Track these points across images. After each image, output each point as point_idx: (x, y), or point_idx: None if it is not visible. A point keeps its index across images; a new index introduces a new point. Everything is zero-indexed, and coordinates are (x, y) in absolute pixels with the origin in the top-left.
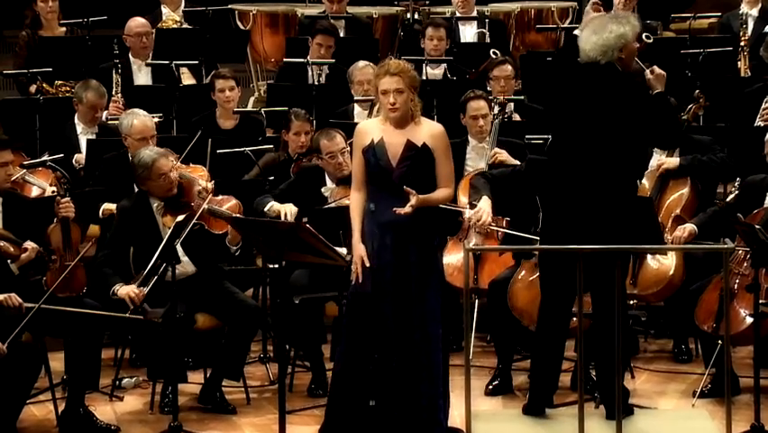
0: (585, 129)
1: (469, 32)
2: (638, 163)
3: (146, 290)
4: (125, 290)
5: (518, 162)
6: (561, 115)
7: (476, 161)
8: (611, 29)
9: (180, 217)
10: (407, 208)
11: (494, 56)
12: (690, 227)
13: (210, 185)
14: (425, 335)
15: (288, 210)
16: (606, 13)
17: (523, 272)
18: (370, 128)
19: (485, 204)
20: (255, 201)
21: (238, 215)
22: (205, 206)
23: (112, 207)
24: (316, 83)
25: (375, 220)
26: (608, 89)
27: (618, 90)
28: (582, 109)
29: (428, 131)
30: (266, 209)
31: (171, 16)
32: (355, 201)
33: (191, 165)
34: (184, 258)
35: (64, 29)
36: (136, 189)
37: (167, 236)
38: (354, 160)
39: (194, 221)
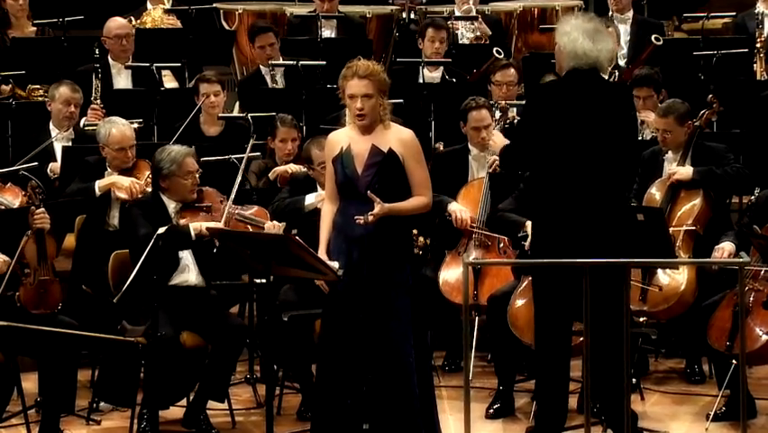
0: (584, 139)
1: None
2: (631, 170)
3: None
4: (199, 223)
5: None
6: (557, 125)
7: (477, 170)
8: (606, 33)
9: (161, 230)
10: (368, 217)
11: (497, 55)
12: (729, 247)
13: None
14: (397, 355)
15: None
16: (589, 17)
17: (524, 288)
18: (340, 137)
19: None
20: (283, 203)
21: (267, 222)
22: (231, 209)
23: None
24: (274, 86)
25: (343, 234)
26: (603, 96)
27: (612, 96)
28: (580, 119)
29: (396, 136)
30: (309, 202)
31: (159, 13)
32: (326, 212)
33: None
34: (193, 267)
35: (34, 28)
36: (115, 203)
37: (147, 249)
38: (327, 171)
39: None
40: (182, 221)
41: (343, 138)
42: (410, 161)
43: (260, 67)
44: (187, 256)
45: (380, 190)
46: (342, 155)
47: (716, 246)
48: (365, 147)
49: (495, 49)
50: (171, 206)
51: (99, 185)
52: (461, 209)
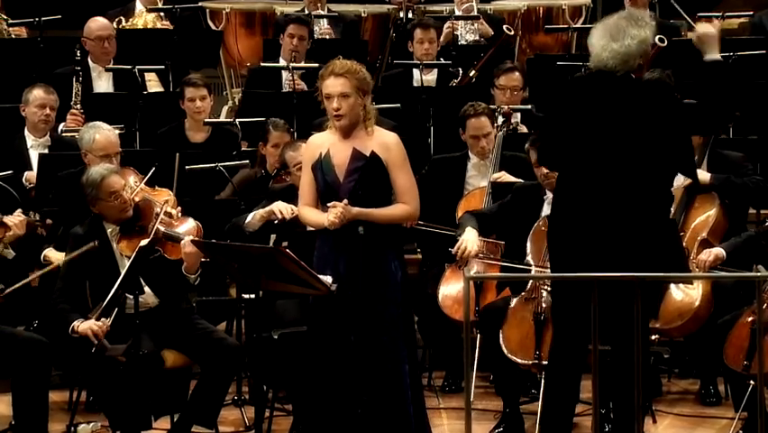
0: (604, 148)
1: None
2: (667, 184)
3: (109, 321)
4: (86, 325)
5: (522, 181)
6: (572, 133)
7: (478, 179)
8: (632, 34)
9: (144, 242)
10: (326, 221)
11: (508, 32)
12: (717, 251)
13: (176, 211)
14: (389, 371)
15: (282, 208)
16: (619, 14)
17: (514, 309)
18: (321, 141)
19: (468, 234)
20: (230, 224)
21: (194, 238)
22: (159, 227)
23: (56, 256)
24: (290, 88)
25: (328, 244)
26: (630, 101)
27: (642, 101)
28: (600, 125)
29: (379, 140)
30: (247, 221)
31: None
32: (309, 209)
33: (156, 188)
34: (146, 288)
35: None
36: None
37: (129, 263)
38: (303, 176)
39: (151, 247)
40: (120, 245)
41: (324, 143)
42: (394, 167)
43: (281, 61)
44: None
45: (363, 197)
46: (321, 161)
47: (705, 250)
48: (346, 152)
49: (505, 26)
50: (110, 230)
51: (44, 254)
52: None
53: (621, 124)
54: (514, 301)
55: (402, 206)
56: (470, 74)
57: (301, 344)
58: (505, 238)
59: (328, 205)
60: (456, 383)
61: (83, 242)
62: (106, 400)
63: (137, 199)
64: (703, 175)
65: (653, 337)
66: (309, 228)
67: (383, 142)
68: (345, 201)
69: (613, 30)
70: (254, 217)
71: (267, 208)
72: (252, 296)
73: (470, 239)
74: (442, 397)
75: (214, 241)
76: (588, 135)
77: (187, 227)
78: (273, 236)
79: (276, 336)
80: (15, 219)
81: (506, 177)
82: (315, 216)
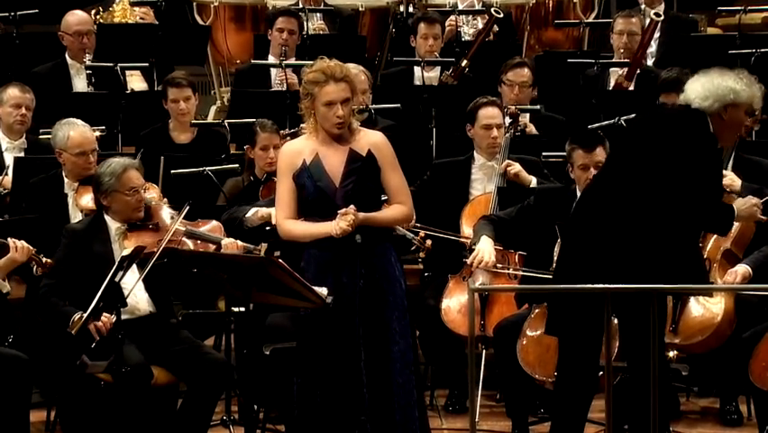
0: (640, 171)
1: None
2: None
3: (113, 318)
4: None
5: (534, 179)
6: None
7: (483, 182)
8: (725, 79)
9: (127, 251)
10: (337, 229)
11: (496, 14)
12: (742, 270)
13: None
14: (400, 383)
15: None
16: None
17: (534, 317)
18: (299, 147)
19: (484, 243)
20: (228, 212)
21: (223, 237)
22: (178, 226)
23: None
24: (280, 85)
25: (324, 256)
26: (685, 135)
27: (695, 141)
28: (648, 150)
29: (368, 140)
30: (248, 215)
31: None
32: (294, 222)
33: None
34: (141, 294)
35: None
36: (76, 219)
37: (110, 273)
38: (280, 186)
39: (162, 249)
40: (126, 242)
41: (304, 149)
42: (387, 167)
43: (270, 58)
44: (130, 282)
45: (361, 201)
46: (307, 168)
47: (729, 270)
48: (338, 156)
49: (493, 9)
50: (115, 226)
51: None
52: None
53: (668, 153)
54: (535, 312)
55: (399, 206)
56: (462, 64)
57: (294, 359)
58: (526, 245)
59: (339, 212)
60: (460, 403)
61: (80, 238)
62: (80, 424)
63: (145, 196)
64: (737, 181)
65: (673, 354)
66: None
67: (373, 142)
68: (353, 207)
69: (713, 72)
70: (255, 214)
71: (266, 213)
72: (242, 309)
73: (486, 249)
74: (445, 417)
75: (201, 251)
76: (635, 158)
77: (210, 226)
78: (264, 245)
79: (267, 352)
80: (20, 243)
81: (520, 170)
82: (308, 228)
